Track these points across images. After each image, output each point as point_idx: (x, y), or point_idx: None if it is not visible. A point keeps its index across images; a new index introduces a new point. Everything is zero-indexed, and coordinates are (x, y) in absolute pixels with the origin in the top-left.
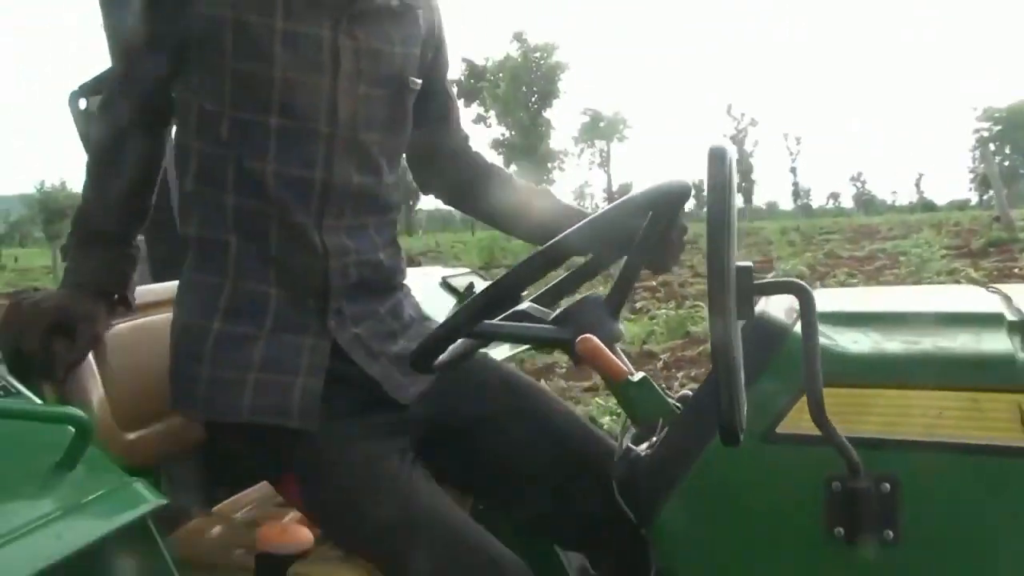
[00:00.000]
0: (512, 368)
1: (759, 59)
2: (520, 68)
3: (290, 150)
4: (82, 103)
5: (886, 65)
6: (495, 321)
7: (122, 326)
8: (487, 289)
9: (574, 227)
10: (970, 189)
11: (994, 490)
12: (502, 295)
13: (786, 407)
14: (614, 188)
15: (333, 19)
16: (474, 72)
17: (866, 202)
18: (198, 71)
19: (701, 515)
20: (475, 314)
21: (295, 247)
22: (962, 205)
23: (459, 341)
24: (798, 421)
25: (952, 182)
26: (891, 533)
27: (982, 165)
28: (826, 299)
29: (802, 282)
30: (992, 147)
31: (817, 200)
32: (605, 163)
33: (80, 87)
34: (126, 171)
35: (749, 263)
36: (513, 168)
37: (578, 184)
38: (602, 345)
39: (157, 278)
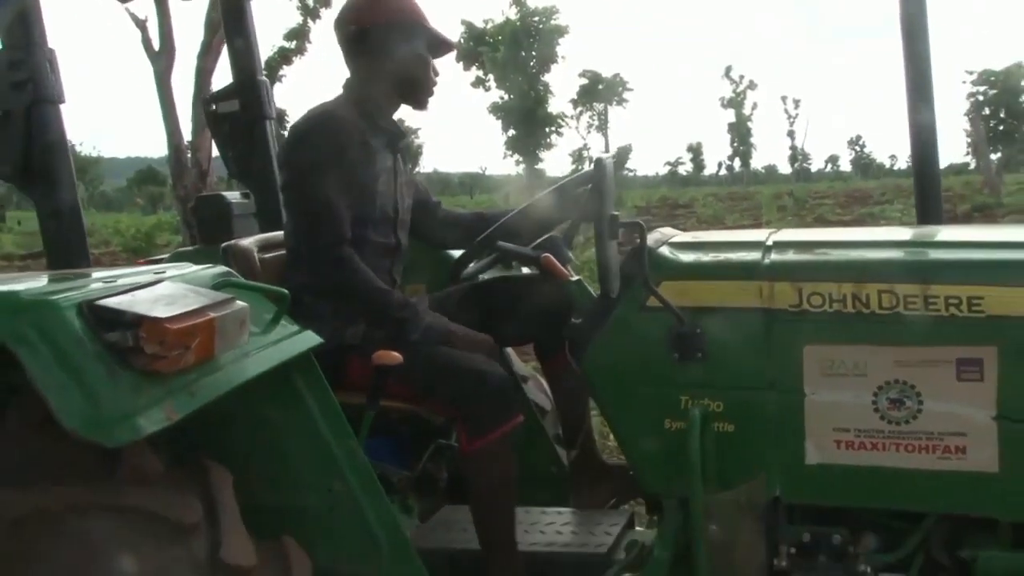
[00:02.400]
0: None
1: (760, 21)
2: (519, 32)
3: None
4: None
5: (887, 28)
6: (501, 244)
7: None
8: (490, 231)
9: (537, 197)
10: (966, 154)
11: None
12: (497, 235)
13: (647, 294)
14: (612, 151)
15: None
16: (472, 35)
17: (864, 166)
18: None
19: (608, 352)
20: (485, 244)
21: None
22: (960, 169)
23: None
24: (656, 301)
25: (952, 146)
26: (700, 354)
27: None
28: (692, 236)
29: (640, 220)
30: (987, 110)
31: (816, 164)
32: (604, 126)
33: (212, 95)
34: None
35: (627, 217)
36: (511, 133)
37: (576, 147)
38: (555, 261)
39: (204, 239)
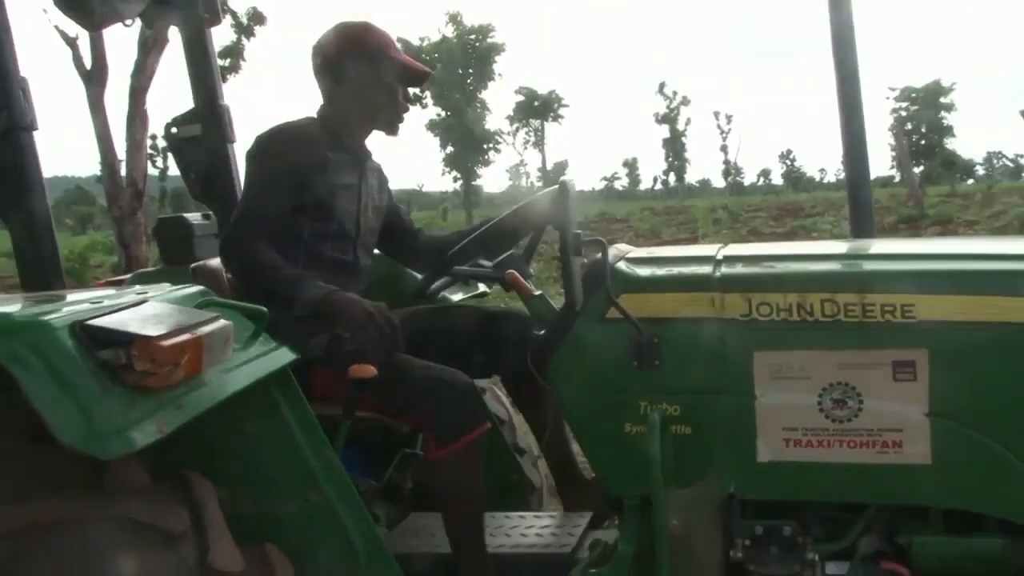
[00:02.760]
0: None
1: (692, 39)
2: (456, 49)
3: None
4: (174, 130)
5: (818, 45)
6: (461, 267)
7: None
8: (453, 252)
9: (500, 217)
10: (891, 167)
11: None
12: (459, 255)
13: (607, 307)
14: (549, 167)
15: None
16: (409, 52)
17: (795, 179)
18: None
19: (571, 362)
20: (448, 262)
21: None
22: (886, 182)
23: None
24: (617, 312)
25: (878, 159)
26: (658, 362)
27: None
28: (646, 251)
29: (600, 238)
30: (909, 125)
31: (749, 177)
32: (540, 142)
33: (173, 119)
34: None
35: (589, 236)
36: (449, 150)
37: (512, 164)
38: (519, 276)
39: (167, 259)
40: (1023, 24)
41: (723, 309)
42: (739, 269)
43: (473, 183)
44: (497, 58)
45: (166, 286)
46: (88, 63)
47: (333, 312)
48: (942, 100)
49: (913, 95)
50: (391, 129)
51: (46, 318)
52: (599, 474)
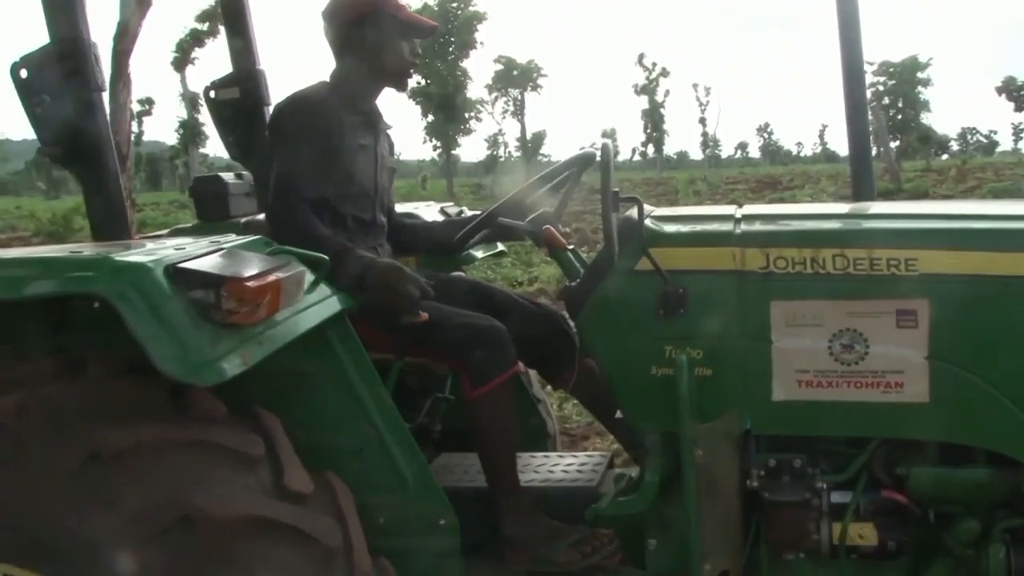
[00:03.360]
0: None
1: (672, 11)
2: (437, 17)
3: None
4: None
5: (796, 18)
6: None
7: None
8: (494, 208)
9: (531, 182)
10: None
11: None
12: (500, 211)
13: (637, 259)
14: (528, 137)
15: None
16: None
17: (772, 152)
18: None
19: (603, 310)
20: (487, 220)
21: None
22: None
23: (479, 234)
24: (646, 263)
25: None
26: (683, 310)
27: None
28: (670, 210)
29: (636, 196)
30: (887, 100)
31: (727, 150)
32: (519, 112)
33: (212, 83)
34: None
35: (628, 195)
36: (430, 118)
37: (491, 133)
38: (555, 232)
39: (203, 216)
40: (999, 3)
41: (743, 262)
42: (757, 227)
43: (452, 151)
44: (479, 26)
45: (233, 236)
46: None
47: (375, 283)
48: (919, 75)
49: (891, 70)
50: (400, 85)
51: (144, 260)
52: (626, 412)
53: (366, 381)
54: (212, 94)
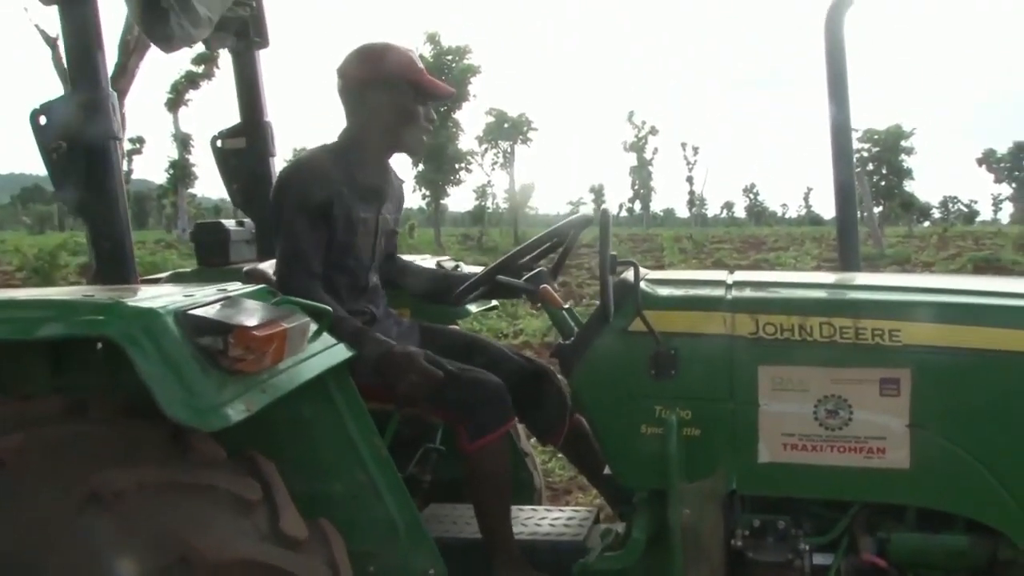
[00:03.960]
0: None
1: (661, 70)
2: (432, 70)
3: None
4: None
5: (786, 80)
6: (500, 278)
7: None
8: (493, 266)
9: (530, 242)
10: None
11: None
12: (496, 269)
13: (631, 320)
14: (516, 189)
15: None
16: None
17: (758, 213)
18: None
19: (596, 369)
20: (486, 277)
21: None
22: None
23: (478, 290)
24: (640, 325)
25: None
26: (673, 371)
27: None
28: (664, 274)
29: (633, 260)
30: (871, 166)
31: (713, 209)
32: (508, 164)
33: (219, 132)
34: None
35: (624, 259)
36: (421, 167)
37: (479, 184)
38: (551, 291)
39: (203, 261)
40: (980, 76)
41: (733, 327)
42: (748, 293)
43: (442, 201)
44: (473, 79)
45: (238, 284)
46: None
47: (390, 370)
48: (902, 143)
49: (875, 137)
50: (414, 151)
51: (154, 306)
52: (615, 468)
53: (362, 430)
54: (219, 143)
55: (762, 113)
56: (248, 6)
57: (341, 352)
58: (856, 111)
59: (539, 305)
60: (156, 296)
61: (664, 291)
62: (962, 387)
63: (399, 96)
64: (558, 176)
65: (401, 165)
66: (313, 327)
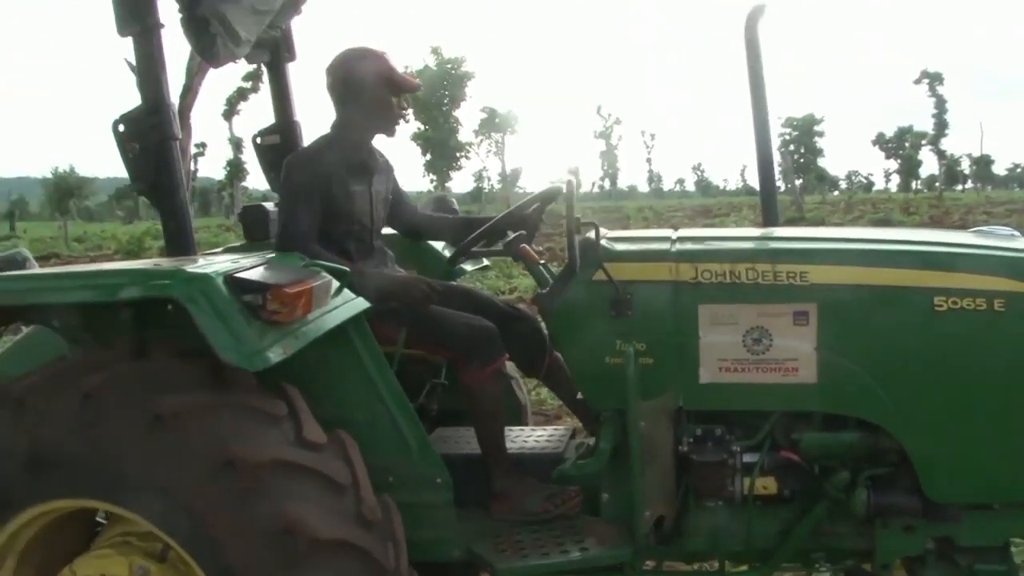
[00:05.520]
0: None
1: (626, 67)
2: (435, 76)
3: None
4: (258, 140)
5: (727, 75)
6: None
7: None
8: (475, 235)
9: (506, 212)
10: (778, 179)
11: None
12: (482, 237)
13: (595, 271)
14: (507, 172)
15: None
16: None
17: (704, 187)
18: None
19: (568, 313)
20: (474, 240)
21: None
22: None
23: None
24: (602, 275)
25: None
26: (630, 312)
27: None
28: (620, 232)
29: (594, 221)
30: (792, 148)
31: (667, 184)
32: (500, 152)
33: (259, 131)
34: None
35: (587, 220)
36: (428, 157)
37: (477, 169)
38: (530, 249)
39: (248, 237)
40: (874, 73)
41: (678, 274)
42: (689, 246)
43: (446, 184)
44: (468, 83)
45: (273, 253)
46: None
47: (398, 295)
48: (815, 128)
49: (794, 123)
50: (389, 132)
51: (208, 271)
52: (585, 393)
53: (379, 368)
54: (258, 140)
55: (708, 104)
56: (279, 28)
57: (360, 304)
58: (777, 102)
59: (521, 262)
60: (208, 264)
61: (621, 246)
62: (858, 316)
63: (376, 90)
64: (542, 160)
65: (411, 153)
66: (335, 285)
